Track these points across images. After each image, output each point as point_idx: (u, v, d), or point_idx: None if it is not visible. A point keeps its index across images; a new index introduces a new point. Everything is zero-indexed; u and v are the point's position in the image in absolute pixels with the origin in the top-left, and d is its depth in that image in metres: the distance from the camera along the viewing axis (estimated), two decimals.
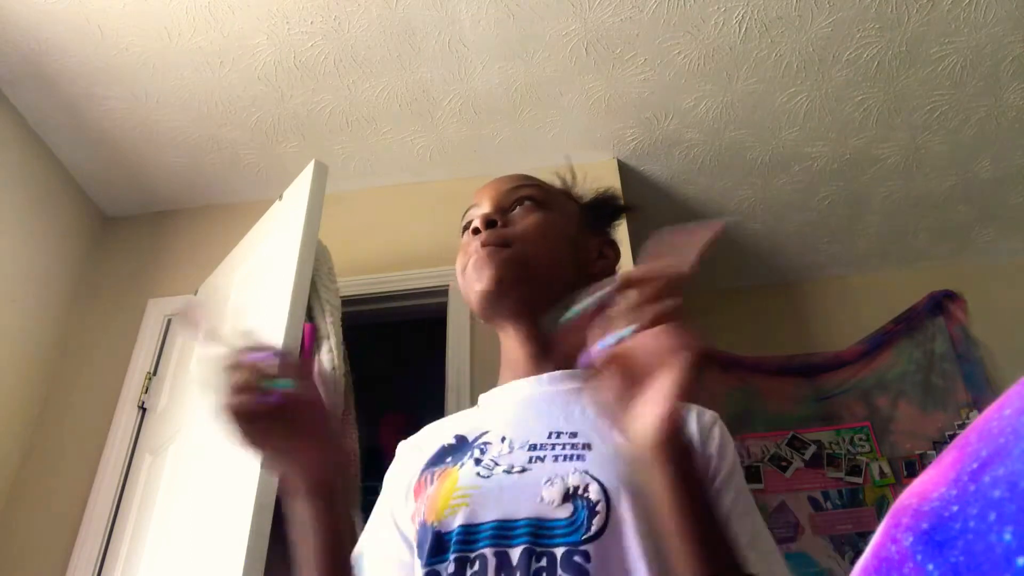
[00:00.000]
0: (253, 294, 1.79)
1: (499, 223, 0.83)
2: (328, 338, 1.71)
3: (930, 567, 0.22)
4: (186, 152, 2.31)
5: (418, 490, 0.73)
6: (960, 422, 2.65)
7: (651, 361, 0.57)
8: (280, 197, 1.92)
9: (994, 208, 2.67)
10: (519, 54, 2.03)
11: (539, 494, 0.65)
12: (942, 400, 2.71)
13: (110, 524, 1.92)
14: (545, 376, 0.79)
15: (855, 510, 2.56)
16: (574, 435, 0.70)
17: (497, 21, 1.94)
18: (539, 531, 0.62)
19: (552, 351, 0.81)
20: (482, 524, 0.65)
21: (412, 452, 0.82)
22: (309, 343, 1.67)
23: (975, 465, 0.24)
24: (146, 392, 2.11)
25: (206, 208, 2.52)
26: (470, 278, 0.82)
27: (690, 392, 0.56)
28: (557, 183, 0.94)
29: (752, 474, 2.66)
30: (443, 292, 2.17)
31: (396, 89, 2.12)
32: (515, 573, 0.60)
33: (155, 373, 2.15)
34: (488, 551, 0.62)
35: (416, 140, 2.30)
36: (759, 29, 1.97)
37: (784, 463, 2.69)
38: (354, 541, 0.75)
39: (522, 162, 2.36)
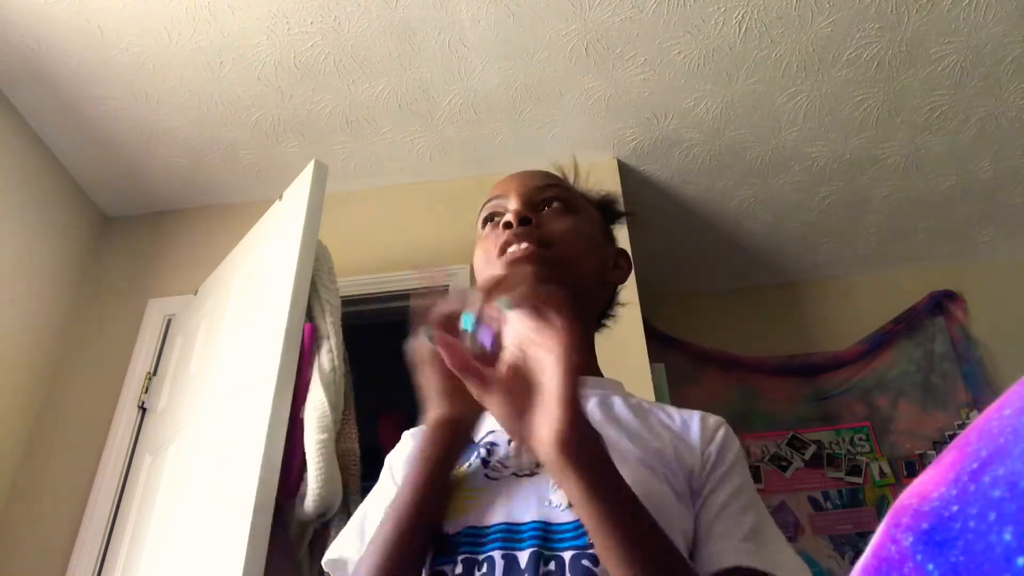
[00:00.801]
0: (253, 294, 1.79)
1: (533, 222, 0.80)
2: (328, 338, 1.71)
3: (930, 567, 0.22)
4: (186, 152, 2.31)
5: None
6: (960, 422, 2.65)
7: (532, 368, 0.57)
8: (280, 197, 1.92)
9: (994, 208, 2.67)
10: (519, 54, 2.03)
11: (547, 497, 0.65)
12: (942, 400, 2.71)
13: (110, 524, 1.92)
14: None
15: (855, 510, 2.56)
16: None
17: (497, 21, 1.94)
18: (547, 534, 0.62)
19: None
20: (490, 526, 0.64)
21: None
22: (309, 343, 1.67)
23: (975, 465, 0.24)
24: (146, 392, 2.11)
25: (206, 208, 2.52)
26: (511, 275, 0.77)
27: (574, 388, 0.55)
28: (569, 178, 0.93)
29: (752, 474, 2.64)
30: (443, 292, 2.17)
31: (396, 89, 2.12)
32: None
33: (155, 373, 2.15)
34: (496, 553, 0.62)
35: (416, 140, 2.30)
36: (759, 29, 1.97)
37: (784, 463, 2.69)
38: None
39: (522, 162, 2.35)
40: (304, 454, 1.55)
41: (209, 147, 2.30)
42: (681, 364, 2.85)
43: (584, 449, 0.56)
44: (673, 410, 0.78)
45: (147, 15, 1.90)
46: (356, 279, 2.15)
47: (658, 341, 2.74)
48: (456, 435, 0.67)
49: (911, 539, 0.24)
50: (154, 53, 2.00)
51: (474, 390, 0.60)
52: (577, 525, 0.62)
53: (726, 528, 0.65)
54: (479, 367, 0.61)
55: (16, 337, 2.11)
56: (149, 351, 2.19)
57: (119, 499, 1.95)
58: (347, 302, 1.92)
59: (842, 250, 2.89)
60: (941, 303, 2.87)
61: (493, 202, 0.86)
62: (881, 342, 2.84)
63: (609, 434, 0.71)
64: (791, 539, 2.52)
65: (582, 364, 0.81)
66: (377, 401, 2.57)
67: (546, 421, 0.56)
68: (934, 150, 2.39)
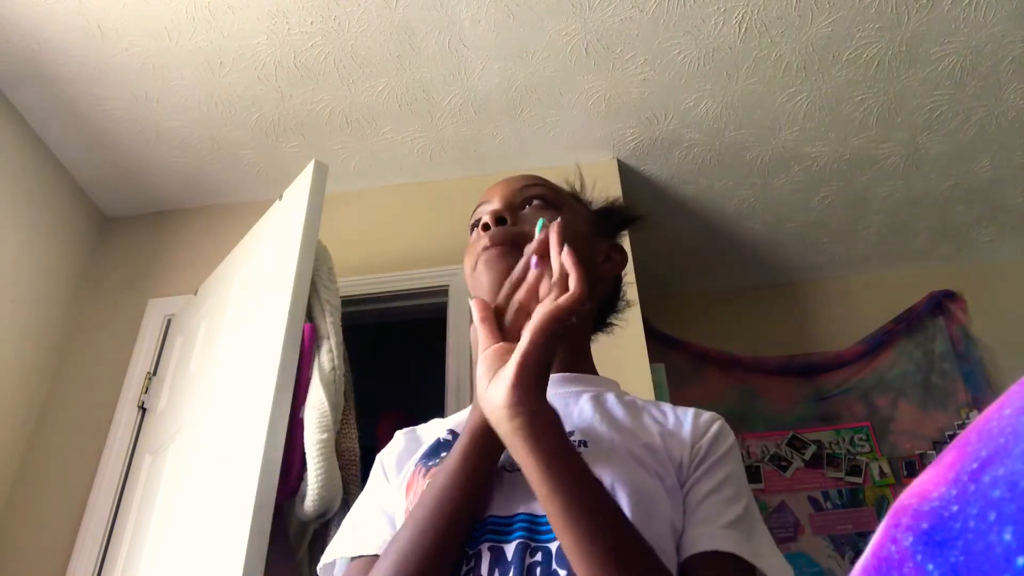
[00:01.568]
0: (253, 294, 1.79)
1: (509, 221, 0.82)
2: (328, 338, 1.71)
3: (930, 567, 0.22)
4: (186, 152, 2.31)
5: (411, 485, 0.73)
6: (960, 422, 2.65)
7: (522, 321, 0.60)
8: (280, 197, 1.92)
9: (994, 208, 2.67)
10: (519, 54, 2.03)
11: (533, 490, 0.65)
12: (942, 400, 2.71)
13: (110, 524, 1.92)
14: None
15: (855, 510, 2.56)
16: (571, 433, 0.70)
17: (497, 21, 1.94)
18: (534, 526, 0.63)
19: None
20: (482, 521, 0.65)
21: (409, 442, 0.81)
22: (309, 343, 1.67)
23: (975, 465, 0.24)
24: (146, 392, 2.11)
25: (206, 208, 2.52)
26: (480, 277, 0.81)
27: (541, 362, 0.57)
28: (565, 188, 0.94)
29: (752, 474, 2.66)
30: (443, 292, 2.17)
31: (396, 89, 2.12)
32: (510, 567, 0.61)
33: (155, 373, 2.15)
34: (483, 546, 0.63)
35: (416, 140, 2.30)
36: (759, 29, 1.97)
37: (784, 463, 2.69)
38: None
39: (522, 162, 2.37)
40: (304, 454, 1.55)
41: (209, 147, 2.30)
42: (681, 364, 2.86)
43: (537, 420, 0.57)
44: (668, 408, 0.78)
45: (147, 15, 1.90)
46: (356, 279, 2.15)
47: (658, 341, 2.74)
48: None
49: (911, 539, 0.24)
50: (154, 53, 2.00)
51: (481, 344, 0.62)
52: None
53: (709, 514, 0.65)
54: (494, 322, 0.63)
55: (16, 337, 2.10)
56: (149, 351, 2.19)
57: (119, 499, 1.95)
58: (347, 302, 1.92)
59: (842, 250, 2.89)
60: (941, 303, 2.87)
61: (479, 208, 0.88)
62: (881, 342, 2.84)
63: (601, 429, 0.72)
64: (791, 539, 2.53)
65: (576, 359, 0.82)
66: (377, 401, 2.58)
67: (500, 383, 0.57)
68: (934, 150, 2.39)
